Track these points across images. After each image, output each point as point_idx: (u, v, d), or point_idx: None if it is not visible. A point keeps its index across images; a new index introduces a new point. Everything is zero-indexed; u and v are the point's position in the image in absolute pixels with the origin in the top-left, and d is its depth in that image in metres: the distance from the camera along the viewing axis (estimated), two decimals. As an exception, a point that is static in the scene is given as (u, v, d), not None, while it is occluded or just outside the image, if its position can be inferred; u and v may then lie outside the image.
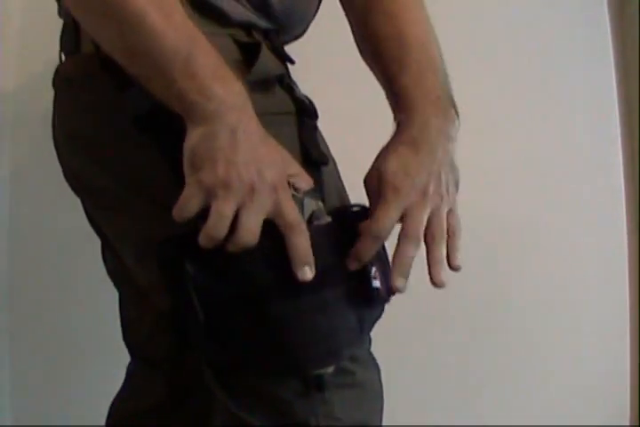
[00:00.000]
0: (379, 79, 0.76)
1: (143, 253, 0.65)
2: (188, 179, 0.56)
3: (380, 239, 0.63)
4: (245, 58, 0.65)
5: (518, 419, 1.31)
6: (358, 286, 0.63)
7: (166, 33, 0.55)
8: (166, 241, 0.59)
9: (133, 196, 0.65)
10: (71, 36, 0.68)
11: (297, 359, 0.61)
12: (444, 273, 0.66)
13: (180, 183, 0.57)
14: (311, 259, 0.58)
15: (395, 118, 0.71)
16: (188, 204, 0.55)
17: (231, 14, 0.65)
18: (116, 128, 0.63)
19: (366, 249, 0.62)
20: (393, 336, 1.24)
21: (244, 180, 0.54)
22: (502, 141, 1.30)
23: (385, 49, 0.73)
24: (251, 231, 0.55)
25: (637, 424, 1.36)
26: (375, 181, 0.66)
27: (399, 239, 0.64)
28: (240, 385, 0.65)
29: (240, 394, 0.65)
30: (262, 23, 0.69)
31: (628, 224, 1.37)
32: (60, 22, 0.72)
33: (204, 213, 0.56)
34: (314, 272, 0.58)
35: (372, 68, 0.78)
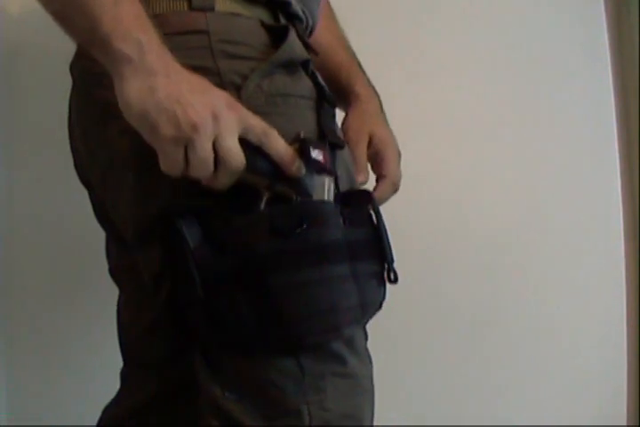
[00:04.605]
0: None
1: (146, 235, 0.65)
2: (154, 140, 0.55)
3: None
4: (273, 40, 0.66)
5: (517, 419, 1.30)
6: (367, 267, 0.65)
7: None
8: (166, 215, 0.59)
9: (138, 172, 0.64)
10: None
11: (296, 331, 0.60)
12: None
13: None
14: (295, 156, 0.59)
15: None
16: (174, 164, 0.55)
17: None
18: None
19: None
20: (392, 336, 1.24)
21: (203, 114, 0.54)
22: (499, 143, 1.31)
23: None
24: (235, 153, 0.56)
25: (635, 425, 1.36)
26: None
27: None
28: (231, 370, 0.64)
29: (230, 379, 0.64)
30: (295, 3, 0.71)
31: (625, 225, 1.37)
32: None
33: None
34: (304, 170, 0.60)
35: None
